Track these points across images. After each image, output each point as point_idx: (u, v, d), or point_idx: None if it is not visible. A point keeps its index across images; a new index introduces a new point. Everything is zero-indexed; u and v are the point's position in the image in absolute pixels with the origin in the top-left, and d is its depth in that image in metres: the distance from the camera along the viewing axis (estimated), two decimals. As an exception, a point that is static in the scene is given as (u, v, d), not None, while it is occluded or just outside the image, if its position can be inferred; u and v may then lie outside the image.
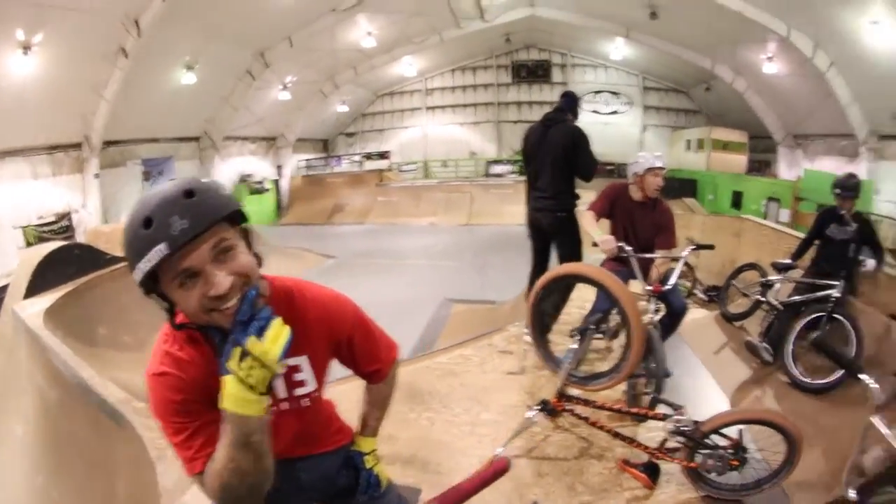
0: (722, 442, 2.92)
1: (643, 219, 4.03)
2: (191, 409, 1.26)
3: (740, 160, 20.59)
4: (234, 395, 1.13)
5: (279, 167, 23.40)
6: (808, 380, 4.23)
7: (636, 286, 3.74)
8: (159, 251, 1.07)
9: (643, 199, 4.03)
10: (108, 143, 15.60)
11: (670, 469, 3.06)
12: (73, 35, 11.88)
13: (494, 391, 3.91)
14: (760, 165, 21.56)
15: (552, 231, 4.64)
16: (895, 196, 15.71)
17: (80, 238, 14.15)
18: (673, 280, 3.67)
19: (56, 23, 11.19)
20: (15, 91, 11.74)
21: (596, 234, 3.78)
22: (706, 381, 4.56)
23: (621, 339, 3.72)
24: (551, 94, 24.83)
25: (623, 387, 3.66)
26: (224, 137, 20.02)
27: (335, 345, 1.53)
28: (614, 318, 4.13)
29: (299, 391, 1.50)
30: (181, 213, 1.08)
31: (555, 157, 4.53)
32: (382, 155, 25.09)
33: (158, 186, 1.16)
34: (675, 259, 3.81)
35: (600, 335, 4.06)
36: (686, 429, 2.89)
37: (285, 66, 19.13)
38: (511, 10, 19.99)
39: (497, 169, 24.42)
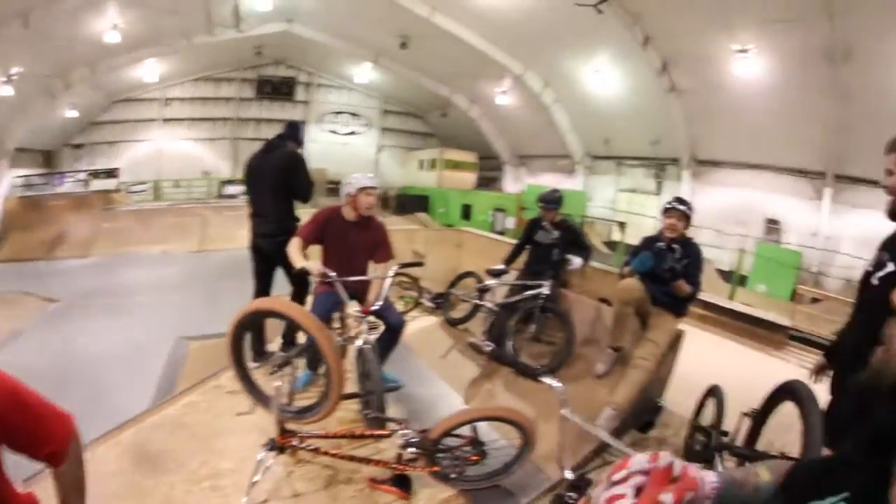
0: (456, 442, 3.08)
1: (358, 237, 4.14)
2: None
3: (470, 177, 23.60)
4: None
5: (-7, 185, 19.22)
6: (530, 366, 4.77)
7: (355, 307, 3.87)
8: None
9: (357, 219, 4.12)
10: None
11: (423, 473, 3.15)
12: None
13: (229, 436, 3.70)
14: (488, 181, 25.11)
15: (276, 255, 4.62)
16: (605, 203, 19.98)
17: None
18: (381, 299, 3.82)
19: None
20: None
21: (298, 262, 3.82)
22: (439, 385, 4.85)
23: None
24: (293, 113, 25.14)
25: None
26: (-71, 143, 15.70)
27: None
28: None
29: None
30: None
31: (273, 183, 4.67)
32: (110, 173, 21.65)
33: None
34: (384, 278, 3.99)
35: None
36: (414, 440, 2.99)
37: (14, 52, 15.33)
38: (268, 23, 19.50)
39: (231, 189, 22.58)
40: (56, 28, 15.36)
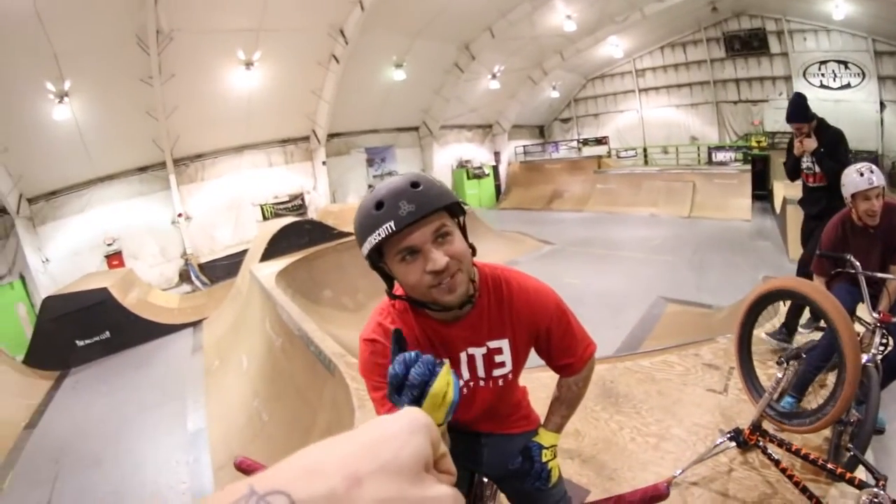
0: None
1: (871, 242, 3.20)
2: None
3: None
4: None
5: (496, 153, 23.97)
6: None
7: (863, 312, 2.96)
8: (387, 228, 1.17)
9: (864, 225, 3.20)
10: (333, 136, 17.92)
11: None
12: (287, 49, 13.85)
13: (690, 406, 3.49)
14: None
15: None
16: None
17: (312, 215, 16.53)
18: None
19: (271, 42, 13.18)
20: (243, 98, 14.27)
21: None
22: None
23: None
24: (771, 69, 20.48)
25: (827, 434, 2.91)
26: (440, 126, 21.08)
27: (535, 333, 1.51)
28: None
29: (497, 372, 1.51)
30: (409, 200, 1.18)
31: None
32: (600, 141, 23.49)
33: (389, 179, 1.25)
34: None
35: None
36: None
37: (491, 56, 19.10)
38: (714, -26, 16.53)
39: (720, 156, 20.14)
40: (517, 31, 17.91)
